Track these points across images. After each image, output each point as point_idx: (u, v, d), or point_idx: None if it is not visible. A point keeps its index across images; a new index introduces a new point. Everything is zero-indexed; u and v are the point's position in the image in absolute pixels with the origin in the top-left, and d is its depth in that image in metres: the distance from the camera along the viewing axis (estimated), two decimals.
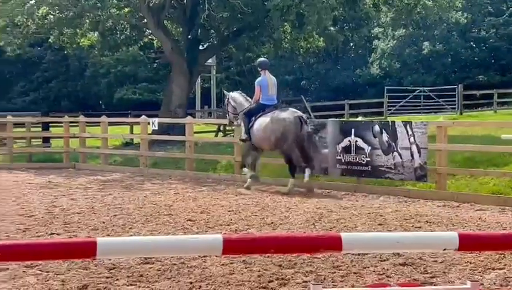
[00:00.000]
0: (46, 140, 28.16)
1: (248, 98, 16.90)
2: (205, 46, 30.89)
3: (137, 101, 49.06)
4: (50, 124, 29.61)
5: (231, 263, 8.35)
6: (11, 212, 12.63)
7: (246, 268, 8.19)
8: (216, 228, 10.91)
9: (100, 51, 32.57)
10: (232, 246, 3.80)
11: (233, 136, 21.92)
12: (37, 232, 10.58)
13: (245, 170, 16.50)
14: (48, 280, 7.70)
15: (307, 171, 15.32)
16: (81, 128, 22.97)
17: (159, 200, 14.26)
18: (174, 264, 8.34)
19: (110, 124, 24.58)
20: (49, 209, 12.93)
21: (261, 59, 17.50)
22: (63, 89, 54.69)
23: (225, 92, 18.15)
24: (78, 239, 5.99)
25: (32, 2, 25.39)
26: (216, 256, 8.28)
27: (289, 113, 15.67)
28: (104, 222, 11.47)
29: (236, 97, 17.13)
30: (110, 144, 24.07)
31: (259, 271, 8.03)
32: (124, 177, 18.87)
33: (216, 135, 28.75)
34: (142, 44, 38.50)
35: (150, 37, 33.95)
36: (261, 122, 15.86)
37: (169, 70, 33.94)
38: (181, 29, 29.81)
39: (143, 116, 21.57)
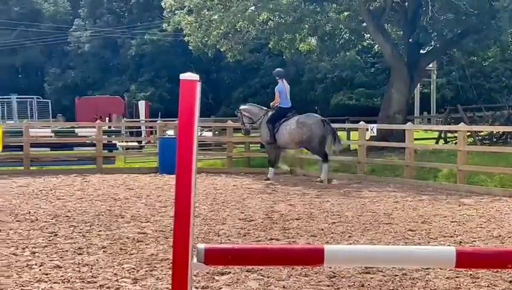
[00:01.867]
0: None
1: (262, 107, 20.56)
2: (426, 49, 30.08)
3: (353, 106, 48.75)
4: None
5: (457, 277, 7.89)
6: (231, 216, 12.82)
7: (473, 283, 7.71)
8: (439, 239, 10.43)
9: (319, 55, 32.66)
10: (466, 260, 3.55)
11: (455, 143, 21.19)
12: (256, 237, 10.61)
13: (271, 169, 19.79)
14: (269, 286, 7.61)
15: (324, 168, 18.69)
16: None
17: (377, 208, 13.94)
18: (396, 275, 8.00)
19: None
20: (268, 214, 12.98)
21: (278, 69, 20.92)
22: None
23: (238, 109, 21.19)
24: (306, 246, 5.91)
25: (253, 8, 25.80)
26: (440, 269, 7.89)
27: (313, 118, 19.30)
28: (322, 229, 11.32)
29: (249, 109, 20.57)
30: None
31: (487, 287, 7.56)
32: (341, 184, 18.69)
33: (437, 142, 27.88)
34: (359, 48, 38.25)
35: (368, 41, 33.62)
36: (286, 126, 19.17)
37: (388, 75, 33.47)
38: (401, 32, 29.17)
39: (361, 122, 21.35)
